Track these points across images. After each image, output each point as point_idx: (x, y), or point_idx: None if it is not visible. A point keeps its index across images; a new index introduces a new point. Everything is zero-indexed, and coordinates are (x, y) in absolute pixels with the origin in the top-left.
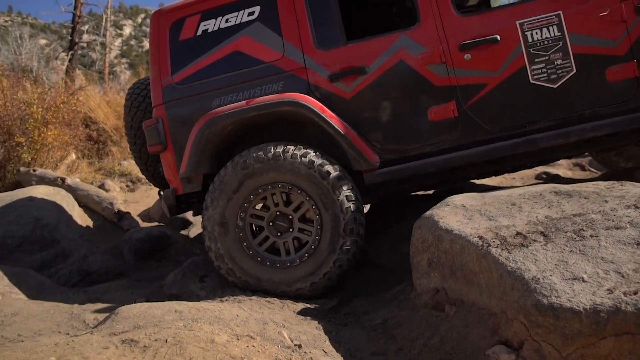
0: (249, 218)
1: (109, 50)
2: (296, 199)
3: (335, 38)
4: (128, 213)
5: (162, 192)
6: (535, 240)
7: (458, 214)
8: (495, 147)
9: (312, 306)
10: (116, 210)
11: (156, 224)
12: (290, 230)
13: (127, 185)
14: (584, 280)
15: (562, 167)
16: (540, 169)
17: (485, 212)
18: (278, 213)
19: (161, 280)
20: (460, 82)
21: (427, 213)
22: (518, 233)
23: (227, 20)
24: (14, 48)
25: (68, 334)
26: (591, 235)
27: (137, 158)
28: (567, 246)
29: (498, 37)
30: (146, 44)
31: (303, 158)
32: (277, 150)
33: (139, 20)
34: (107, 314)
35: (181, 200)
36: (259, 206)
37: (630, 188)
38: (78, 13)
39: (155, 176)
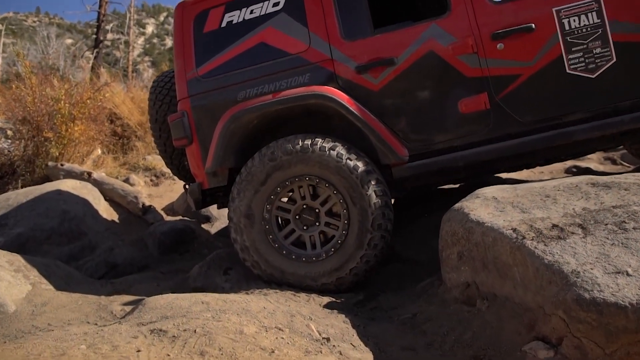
0: (275, 210)
1: (132, 48)
2: (323, 192)
3: (362, 28)
4: (152, 206)
5: (187, 186)
6: (573, 233)
7: (489, 206)
8: (529, 140)
9: (338, 300)
10: (141, 204)
11: (180, 217)
12: (317, 224)
13: (151, 180)
14: (628, 274)
15: (592, 161)
16: (569, 162)
17: (518, 204)
18: (304, 206)
19: (185, 273)
20: (493, 72)
21: (457, 205)
22: (554, 225)
23: (251, 12)
24: (41, 48)
25: (96, 324)
26: (634, 228)
27: (162, 152)
28: (608, 239)
29: (533, 25)
30: (168, 42)
31: (332, 151)
32: (306, 142)
33: (161, 18)
34: (134, 305)
35: (207, 193)
36: (285, 199)
37: None
38: (103, 12)
39: (180, 169)
